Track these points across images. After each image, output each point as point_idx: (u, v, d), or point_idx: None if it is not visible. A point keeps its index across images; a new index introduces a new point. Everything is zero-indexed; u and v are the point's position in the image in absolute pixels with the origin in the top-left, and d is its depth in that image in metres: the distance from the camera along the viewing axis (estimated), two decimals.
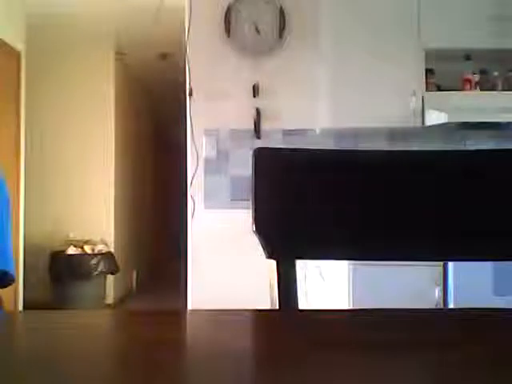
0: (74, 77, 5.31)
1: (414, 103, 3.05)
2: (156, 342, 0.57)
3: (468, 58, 3.23)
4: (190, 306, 3.30)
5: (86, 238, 5.09)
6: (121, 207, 5.77)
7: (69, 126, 5.30)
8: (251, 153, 0.88)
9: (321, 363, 0.50)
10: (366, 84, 3.07)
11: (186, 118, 3.39)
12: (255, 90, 3.33)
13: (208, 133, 3.35)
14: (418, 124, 3.07)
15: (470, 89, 3.19)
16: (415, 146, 3.27)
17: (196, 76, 3.36)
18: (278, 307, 0.86)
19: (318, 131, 3.29)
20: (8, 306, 4.09)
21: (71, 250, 4.92)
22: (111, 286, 5.33)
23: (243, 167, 3.23)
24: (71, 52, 5.31)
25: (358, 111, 3.06)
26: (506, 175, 0.88)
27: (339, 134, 3.27)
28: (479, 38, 3.03)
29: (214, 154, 3.36)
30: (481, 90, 3.18)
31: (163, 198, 9.54)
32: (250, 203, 0.88)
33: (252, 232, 0.87)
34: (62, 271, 4.85)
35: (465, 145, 3.30)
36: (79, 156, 5.31)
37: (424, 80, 3.10)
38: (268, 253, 0.88)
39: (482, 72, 3.21)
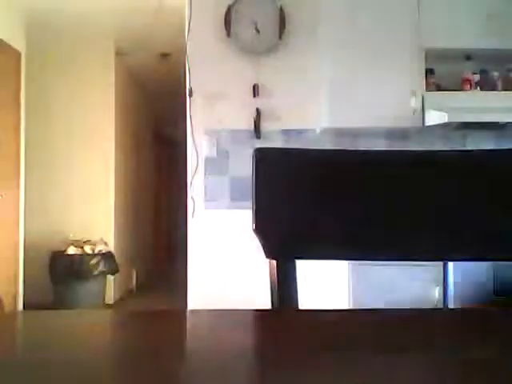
0: (74, 77, 5.31)
1: (414, 103, 3.05)
2: (156, 341, 0.57)
3: (468, 57, 3.23)
4: (189, 306, 3.30)
5: (86, 238, 5.09)
6: (121, 207, 5.77)
7: (68, 126, 5.30)
8: (251, 153, 0.88)
9: (320, 363, 0.50)
10: (366, 84, 3.07)
11: (186, 118, 3.38)
12: (255, 90, 3.33)
13: (208, 133, 3.35)
14: (418, 124, 3.07)
15: (470, 89, 3.19)
16: (415, 146, 3.27)
17: (196, 76, 3.36)
18: (278, 307, 0.86)
19: (318, 131, 3.29)
20: (8, 305, 4.08)
21: (71, 250, 4.92)
22: (111, 286, 5.33)
23: (243, 167, 3.24)
24: (71, 52, 5.31)
25: (358, 111, 3.06)
26: (506, 175, 0.88)
27: (339, 133, 3.27)
28: (479, 38, 3.03)
29: (214, 153, 3.36)
30: (481, 89, 3.18)
31: (163, 197, 9.54)
32: (250, 203, 0.88)
33: (252, 232, 0.87)
34: (62, 271, 4.84)
35: (465, 145, 3.30)
36: (79, 156, 5.31)
37: (424, 80, 3.10)
38: (268, 252, 0.88)
39: (482, 72, 3.21)
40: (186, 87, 3.39)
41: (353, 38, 3.10)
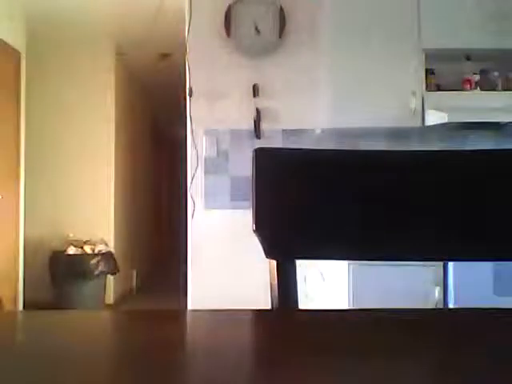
0: (74, 77, 5.31)
1: (414, 103, 3.05)
2: (156, 341, 0.57)
3: (468, 58, 3.23)
4: (190, 306, 3.30)
5: (86, 238, 5.09)
6: (121, 207, 5.77)
7: (69, 126, 5.30)
8: (251, 153, 0.88)
9: (320, 363, 0.50)
10: (366, 84, 3.07)
11: (186, 118, 3.38)
12: (255, 90, 3.33)
13: (208, 133, 3.35)
14: (418, 124, 3.07)
15: (470, 89, 3.19)
16: (415, 146, 3.27)
17: (196, 76, 3.36)
18: (277, 307, 0.86)
19: (318, 131, 3.29)
20: (8, 305, 4.09)
21: (71, 250, 4.92)
22: (111, 286, 5.33)
23: (243, 167, 3.24)
24: (71, 52, 5.31)
25: (358, 111, 3.06)
26: (506, 175, 0.88)
27: (339, 133, 3.27)
28: (479, 38, 3.03)
29: (214, 153, 3.36)
30: (481, 89, 3.18)
31: (163, 197, 9.54)
32: (250, 203, 0.88)
33: (252, 232, 0.87)
34: (62, 271, 4.84)
35: (465, 145, 3.30)
36: (79, 156, 5.31)
37: (424, 80, 3.10)
38: (268, 253, 0.88)
39: (482, 72, 3.21)
40: (186, 87, 3.39)
41: (353, 37, 3.10)
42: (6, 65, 4.21)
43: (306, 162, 0.91)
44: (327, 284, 2.93)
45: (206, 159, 3.36)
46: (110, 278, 5.25)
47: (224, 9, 3.31)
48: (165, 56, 5.67)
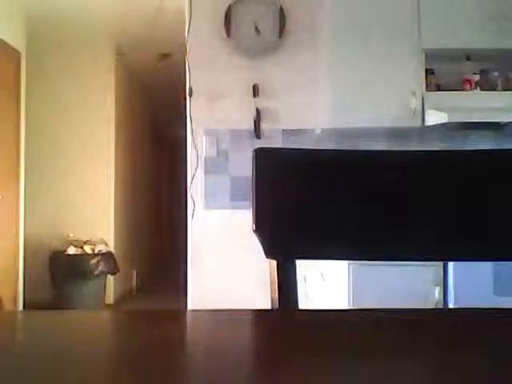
0: (74, 77, 5.31)
1: (414, 103, 3.05)
2: (156, 342, 0.57)
3: (468, 58, 3.23)
4: (190, 306, 3.30)
5: (86, 238, 5.09)
6: (121, 207, 5.77)
7: (68, 126, 5.30)
8: (251, 153, 0.88)
9: (320, 363, 0.50)
10: (366, 84, 3.07)
11: (186, 118, 3.38)
12: (255, 90, 3.33)
13: (208, 133, 3.35)
14: (418, 124, 3.07)
15: (470, 89, 3.19)
16: (415, 146, 3.27)
17: (196, 76, 3.36)
18: (277, 307, 0.86)
19: (318, 131, 3.29)
20: (8, 305, 4.09)
21: (71, 250, 4.92)
22: (111, 286, 5.33)
23: (243, 167, 3.23)
24: (71, 52, 5.31)
25: (358, 111, 3.06)
26: (506, 175, 0.88)
27: (339, 133, 3.27)
28: (479, 38, 3.03)
29: (214, 153, 3.36)
30: (481, 89, 3.18)
31: (163, 197, 9.54)
32: (250, 203, 0.88)
33: (252, 232, 0.87)
34: (62, 271, 4.84)
35: (465, 145, 3.30)
36: (79, 156, 5.31)
37: (424, 80, 3.10)
38: (268, 252, 0.88)
39: (482, 72, 3.21)
40: (185, 87, 3.39)
41: (353, 38, 3.10)
42: (6, 65, 4.21)
43: (306, 162, 0.91)
44: (327, 284, 2.93)
45: (206, 159, 3.36)
46: (110, 278, 5.25)
47: (224, 9, 3.31)
48: (165, 56, 5.66)
